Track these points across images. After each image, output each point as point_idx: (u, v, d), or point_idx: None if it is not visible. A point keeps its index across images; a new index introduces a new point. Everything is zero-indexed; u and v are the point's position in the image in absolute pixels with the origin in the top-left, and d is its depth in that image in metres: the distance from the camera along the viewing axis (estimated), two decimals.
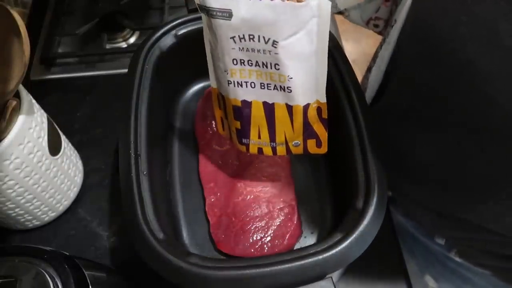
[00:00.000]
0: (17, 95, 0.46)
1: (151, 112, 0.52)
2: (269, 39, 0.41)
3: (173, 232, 0.51)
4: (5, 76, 0.43)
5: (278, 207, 0.53)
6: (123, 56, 0.74)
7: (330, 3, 0.40)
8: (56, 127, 0.53)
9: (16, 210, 0.50)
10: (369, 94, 0.58)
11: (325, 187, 0.57)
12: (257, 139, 0.50)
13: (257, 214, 0.52)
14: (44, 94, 0.67)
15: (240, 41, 0.42)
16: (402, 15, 0.47)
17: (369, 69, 0.60)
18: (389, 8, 0.60)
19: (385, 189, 0.45)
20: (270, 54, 0.43)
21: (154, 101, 0.54)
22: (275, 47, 0.42)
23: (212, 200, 0.55)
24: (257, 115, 0.48)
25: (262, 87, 0.46)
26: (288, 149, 0.50)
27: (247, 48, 0.43)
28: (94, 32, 0.76)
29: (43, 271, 0.36)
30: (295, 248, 0.52)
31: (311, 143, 0.50)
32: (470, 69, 0.35)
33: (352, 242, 0.41)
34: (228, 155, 0.58)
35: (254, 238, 0.51)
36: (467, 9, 0.35)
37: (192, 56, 0.60)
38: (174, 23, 0.58)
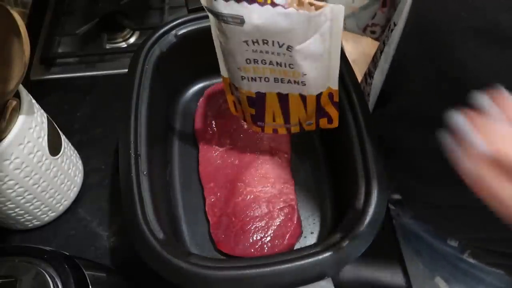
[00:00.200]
0: (17, 95, 0.46)
1: (151, 112, 0.52)
2: (283, 44, 0.41)
3: (173, 232, 0.51)
4: (5, 76, 0.43)
5: (278, 207, 0.53)
6: (123, 56, 0.74)
7: (343, 6, 0.39)
8: (56, 127, 0.53)
9: (16, 210, 0.50)
10: (373, 99, 0.58)
11: (325, 187, 0.57)
12: (272, 122, 0.51)
13: (257, 214, 0.52)
14: (44, 94, 0.67)
15: (254, 44, 0.42)
16: (403, 17, 0.47)
17: (369, 74, 0.59)
18: (385, 14, 0.60)
19: (385, 189, 0.45)
20: (284, 56, 0.42)
21: (154, 101, 0.54)
22: (290, 51, 0.42)
23: (212, 200, 0.55)
24: (271, 104, 0.48)
25: (276, 81, 0.46)
26: (301, 128, 0.52)
27: (261, 50, 0.42)
28: (94, 32, 0.76)
29: (43, 271, 0.36)
30: (295, 248, 0.52)
31: (323, 120, 0.51)
32: (471, 63, 0.35)
33: (352, 242, 0.41)
34: (228, 155, 0.58)
35: (254, 238, 0.51)
36: (466, 2, 0.35)
37: (192, 56, 0.60)
38: (174, 23, 0.58)
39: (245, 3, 0.38)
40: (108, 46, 0.76)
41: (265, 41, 0.41)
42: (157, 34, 0.57)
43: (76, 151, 0.59)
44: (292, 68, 0.43)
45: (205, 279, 0.40)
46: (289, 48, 0.41)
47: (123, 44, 0.77)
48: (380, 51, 0.55)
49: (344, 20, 0.62)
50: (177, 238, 0.52)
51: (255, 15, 0.39)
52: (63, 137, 0.55)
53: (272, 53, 0.42)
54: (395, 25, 0.49)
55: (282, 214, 0.53)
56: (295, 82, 0.45)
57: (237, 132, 0.59)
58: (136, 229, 0.43)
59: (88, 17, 0.77)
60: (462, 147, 0.29)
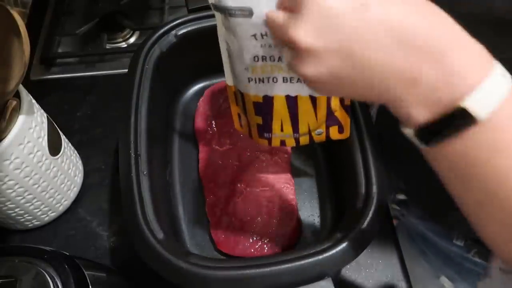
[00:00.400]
0: (17, 95, 0.46)
1: (151, 112, 0.52)
2: None
3: (173, 232, 0.51)
4: (5, 76, 0.43)
5: (278, 207, 0.53)
6: (123, 56, 0.74)
7: None
8: (56, 127, 0.53)
9: (16, 210, 0.50)
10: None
11: (325, 187, 0.57)
12: (280, 132, 0.49)
13: (257, 214, 0.52)
14: (44, 94, 0.67)
15: (262, 38, 0.41)
16: None
17: None
18: None
19: (385, 189, 0.45)
20: None
21: (154, 101, 0.54)
22: None
23: (212, 200, 0.55)
24: (280, 109, 0.47)
25: (285, 81, 0.45)
26: (311, 139, 0.50)
27: (270, 45, 0.41)
28: (94, 32, 0.76)
29: (43, 271, 0.36)
30: (295, 248, 0.52)
31: (333, 129, 0.50)
32: None
33: (352, 242, 0.41)
34: (228, 155, 0.58)
35: (254, 238, 0.51)
36: None
37: (192, 56, 0.60)
38: (174, 23, 0.58)
39: None
40: (108, 46, 0.76)
41: None
42: (157, 34, 0.57)
43: (76, 151, 0.59)
44: None
45: (204, 279, 0.40)
46: None
47: (123, 44, 0.77)
48: None
49: None
50: (177, 238, 0.52)
51: (263, 5, 0.39)
52: (63, 137, 0.55)
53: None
54: None
55: (282, 214, 0.53)
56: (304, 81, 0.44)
57: (237, 132, 0.59)
58: (136, 229, 0.43)
59: (88, 17, 0.77)
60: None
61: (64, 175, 0.54)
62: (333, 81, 0.29)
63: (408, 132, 0.29)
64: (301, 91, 0.46)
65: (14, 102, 0.44)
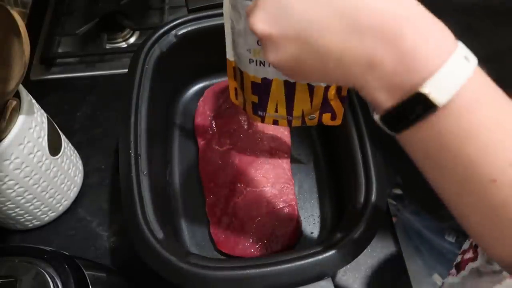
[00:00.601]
0: (17, 95, 0.46)
1: (151, 112, 0.52)
2: None
3: (173, 232, 0.51)
4: (5, 76, 0.43)
5: (278, 207, 0.53)
6: (123, 56, 0.74)
7: None
8: (56, 127, 0.53)
9: (16, 210, 0.50)
10: None
11: (325, 187, 0.57)
12: (274, 112, 0.50)
13: (257, 214, 0.52)
14: (44, 94, 0.67)
15: None
16: None
17: None
18: None
19: (385, 189, 0.45)
20: None
21: (154, 101, 0.54)
22: None
23: (212, 200, 0.55)
24: (277, 92, 0.47)
25: None
26: (303, 122, 0.51)
27: None
28: (94, 32, 0.76)
29: (43, 271, 0.36)
30: (295, 248, 0.52)
31: (326, 116, 0.50)
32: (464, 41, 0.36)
33: (352, 242, 0.41)
34: (228, 155, 0.58)
35: (254, 238, 0.51)
36: None
37: (192, 56, 0.60)
38: (174, 23, 0.58)
39: None
40: (108, 46, 0.76)
41: None
42: (157, 34, 0.57)
43: (76, 151, 0.59)
44: None
45: (204, 279, 0.40)
46: None
47: (123, 44, 0.77)
48: None
49: None
50: (177, 238, 0.52)
51: None
52: (63, 137, 0.55)
53: None
54: None
55: (282, 214, 0.53)
56: None
57: (237, 132, 0.59)
58: (136, 229, 0.43)
59: (88, 17, 0.77)
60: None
61: (64, 175, 0.54)
62: (295, 66, 0.29)
63: (376, 118, 0.28)
64: None
65: (14, 102, 0.44)
